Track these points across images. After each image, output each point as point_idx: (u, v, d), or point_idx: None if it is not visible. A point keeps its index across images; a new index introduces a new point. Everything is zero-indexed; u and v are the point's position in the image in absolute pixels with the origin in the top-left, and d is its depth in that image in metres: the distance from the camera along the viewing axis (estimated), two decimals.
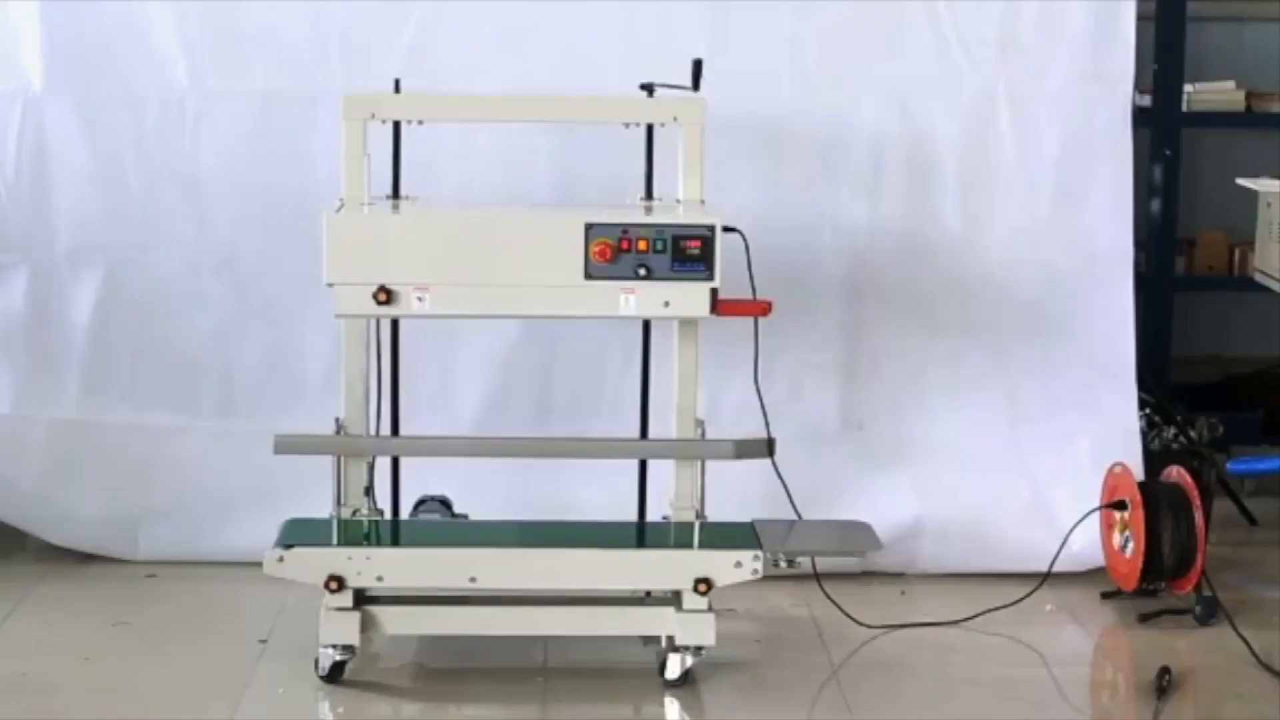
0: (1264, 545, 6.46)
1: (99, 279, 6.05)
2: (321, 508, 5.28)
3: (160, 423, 6.09)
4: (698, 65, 5.34)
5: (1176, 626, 5.70)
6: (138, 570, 6.03)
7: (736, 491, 5.35)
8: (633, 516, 5.53)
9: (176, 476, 6.07)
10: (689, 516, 5.29)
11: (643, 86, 5.38)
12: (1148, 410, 6.44)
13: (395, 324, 5.45)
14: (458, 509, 5.58)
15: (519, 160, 5.92)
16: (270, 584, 5.17)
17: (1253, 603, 5.85)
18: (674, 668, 5.14)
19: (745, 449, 5.24)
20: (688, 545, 5.22)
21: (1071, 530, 5.76)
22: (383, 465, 5.48)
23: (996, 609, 5.65)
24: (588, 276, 4.99)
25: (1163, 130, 7.04)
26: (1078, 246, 6.08)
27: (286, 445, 5.24)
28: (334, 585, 5.04)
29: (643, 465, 5.53)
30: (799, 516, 5.39)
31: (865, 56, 5.99)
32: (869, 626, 5.58)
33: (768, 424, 5.25)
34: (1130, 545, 5.82)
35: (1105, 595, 5.90)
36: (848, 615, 5.58)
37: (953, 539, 5.83)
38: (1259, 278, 6.62)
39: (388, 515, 5.50)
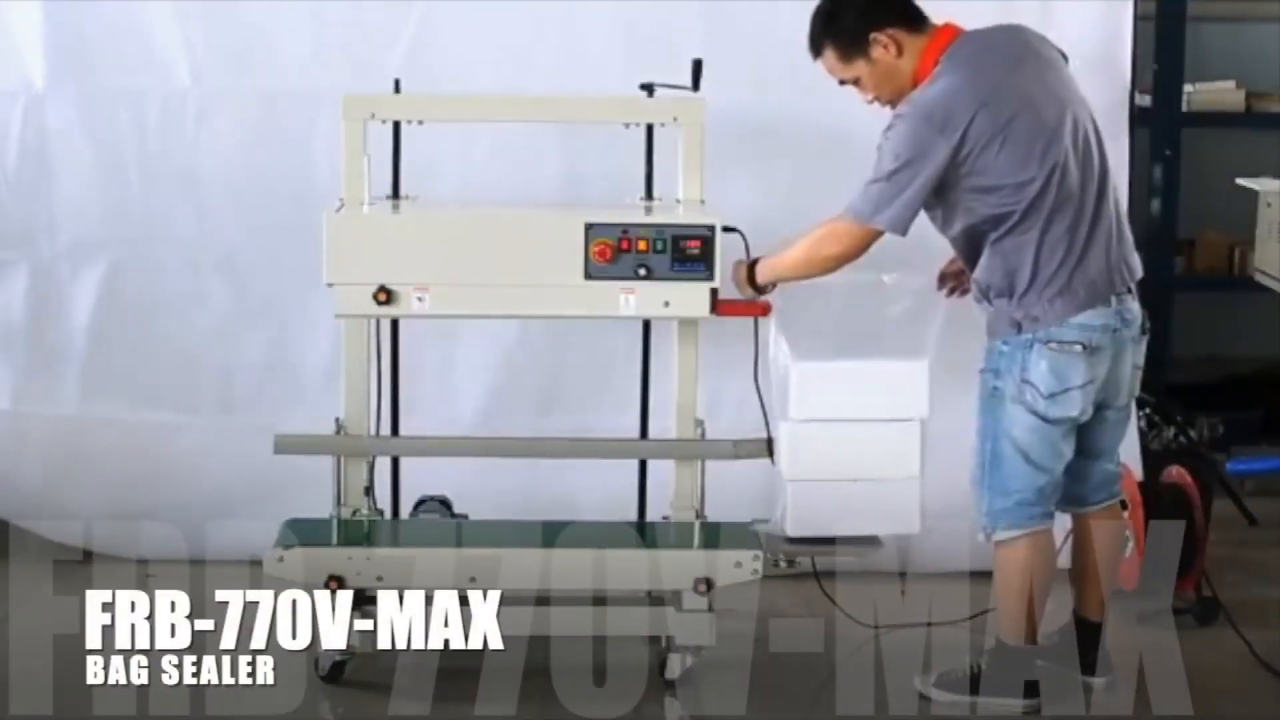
0: (1264, 545, 6.46)
1: (99, 276, 6.06)
2: (321, 507, 5.28)
3: (160, 421, 6.10)
4: (698, 65, 5.34)
5: (1176, 626, 5.70)
6: (137, 569, 6.03)
7: (736, 491, 5.34)
8: (633, 516, 5.53)
9: (176, 475, 6.08)
10: (689, 516, 5.30)
11: (643, 86, 5.38)
12: (1147, 410, 6.44)
13: (395, 324, 5.45)
14: (458, 509, 5.58)
15: (519, 160, 5.92)
16: (270, 584, 5.17)
17: (1253, 603, 5.85)
18: (674, 668, 5.14)
19: (745, 449, 5.25)
20: (688, 545, 5.22)
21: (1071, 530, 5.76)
22: (383, 465, 5.48)
23: (996, 609, 5.64)
24: (588, 276, 5.00)
25: (1163, 130, 7.06)
26: None
27: (286, 445, 5.25)
28: (334, 585, 5.04)
29: (643, 465, 5.54)
30: None
31: None
32: (869, 626, 5.58)
33: (768, 424, 5.25)
34: (1130, 545, 5.82)
35: None
36: (848, 615, 5.58)
37: (952, 538, 5.82)
38: (1259, 278, 6.63)
39: (388, 515, 5.50)
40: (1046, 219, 4.88)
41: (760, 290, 5.08)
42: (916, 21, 4.95)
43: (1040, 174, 4.85)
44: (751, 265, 5.08)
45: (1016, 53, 4.95)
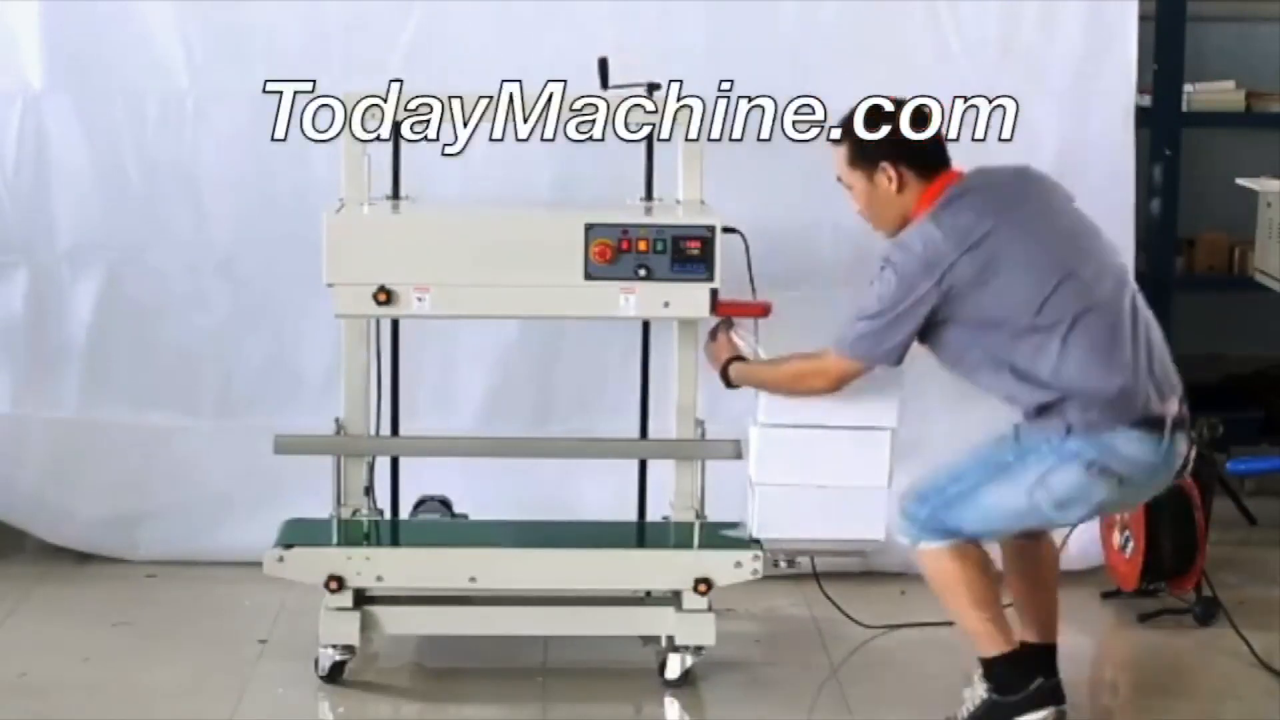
0: (1264, 545, 6.46)
1: (99, 279, 6.05)
2: (321, 508, 5.28)
3: (160, 422, 6.10)
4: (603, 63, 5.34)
5: (1176, 626, 5.70)
6: (137, 570, 6.03)
7: (736, 491, 5.34)
8: (633, 516, 5.53)
9: (176, 476, 6.08)
10: (689, 516, 5.30)
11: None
12: None
13: (395, 324, 5.45)
14: (458, 509, 5.58)
15: (519, 160, 5.92)
16: (270, 584, 5.18)
17: (1253, 603, 5.85)
18: (674, 668, 5.14)
19: (744, 449, 5.24)
20: (688, 545, 5.22)
21: (1071, 530, 5.75)
22: (383, 465, 5.48)
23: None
24: (588, 277, 4.99)
25: (1163, 130, 7.03)
26: None
27: (286, 445, 5.24)
28: (334, 585, 5.04)
29: (643, 465, 5.54)
30: None
31: (865, 57, 5.98)
32: (869, 626, 5.58)
33: None
34: (1130, 545, 5.82)
35: (1105, 595, 5.91)
36: (847, 615, 5.58)
37: None
38: (1259, 278, 6.62)
39: (388, 515, 5.50)
40: (1069, 327, 4.70)
41: (728, 385, 5.03)
42: (930, 170, 4.82)
43: (1047, 294, 4.69)
44: (728, 362, 5.00)
45: (1015, 192, 4.83)
